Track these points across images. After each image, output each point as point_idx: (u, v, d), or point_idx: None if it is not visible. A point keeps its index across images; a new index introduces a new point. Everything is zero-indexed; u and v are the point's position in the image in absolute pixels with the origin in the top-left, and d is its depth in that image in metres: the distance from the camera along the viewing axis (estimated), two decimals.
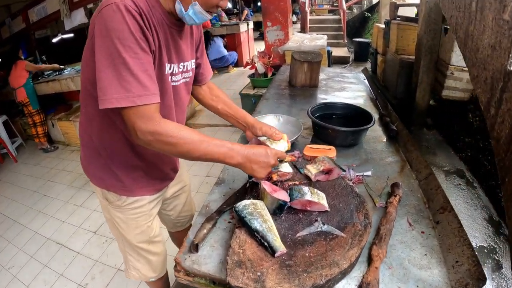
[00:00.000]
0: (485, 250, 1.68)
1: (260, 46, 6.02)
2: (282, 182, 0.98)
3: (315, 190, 0.89)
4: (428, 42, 2.96)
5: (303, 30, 7.32)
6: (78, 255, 2.30)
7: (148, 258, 1.19)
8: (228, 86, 5.83)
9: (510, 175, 0.72)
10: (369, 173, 1.18)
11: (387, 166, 1.27)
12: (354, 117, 1.56)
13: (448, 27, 2.63)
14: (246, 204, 0.82)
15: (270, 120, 1.56)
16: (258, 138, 1.04)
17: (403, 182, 1.17)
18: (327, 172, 0.99)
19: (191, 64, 1.02)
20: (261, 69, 3.28)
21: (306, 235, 0.80)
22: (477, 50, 0.85)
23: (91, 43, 0.78)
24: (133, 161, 1.00)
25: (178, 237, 1.53)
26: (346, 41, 7.76)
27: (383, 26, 4.15)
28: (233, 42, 6.95)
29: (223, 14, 7.94)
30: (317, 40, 4.09)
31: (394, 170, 1.25)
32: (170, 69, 0.91)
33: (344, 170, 0.99)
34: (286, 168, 0.96)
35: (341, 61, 6.70)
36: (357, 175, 1.15)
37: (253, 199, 0.89)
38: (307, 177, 1.03)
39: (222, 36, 6.72)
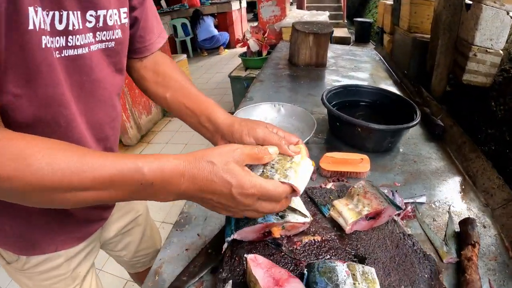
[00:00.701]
0: None
1: None
2: (291, 238, 0.53)
3: (359, 267, 0.44)
4: (447, 18, 2.54)
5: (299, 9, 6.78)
6: None
7: None
8: (219, 69, 5.33)
9: None
10: (423, 199, 0.75)
11: (442, 184, 0.83)
12: (384, 107, 1.12)
13: (471, 2, 2.21)
14: None
15: (266, 111, 1.11)
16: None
17: (468, 212, 0.75)
18: (374, 216, 0.53)
19: (117, 16, 0.53)
20: (254, 46, 2.76)
21: None
22: None
23: None
24: None
25: (140, 278, 1.08)
26: (346, 21, 7.24)
27: (390, 2, 3.79)
28: (224, 21, 6.44)
29: None
30: (318, 16, 3.62)
31: (453, 189, 0.82)
32: (60, 22, 0.42)
33: (400, 208, 0.54)
34: (300, 214, 0.50)
35: (341, 42, 6.23)
36: (405, 203, 0.72)
37: (233, 279, 0.44)
38: (335, 223, 0.57)
39: (212, 16, 6.19)
